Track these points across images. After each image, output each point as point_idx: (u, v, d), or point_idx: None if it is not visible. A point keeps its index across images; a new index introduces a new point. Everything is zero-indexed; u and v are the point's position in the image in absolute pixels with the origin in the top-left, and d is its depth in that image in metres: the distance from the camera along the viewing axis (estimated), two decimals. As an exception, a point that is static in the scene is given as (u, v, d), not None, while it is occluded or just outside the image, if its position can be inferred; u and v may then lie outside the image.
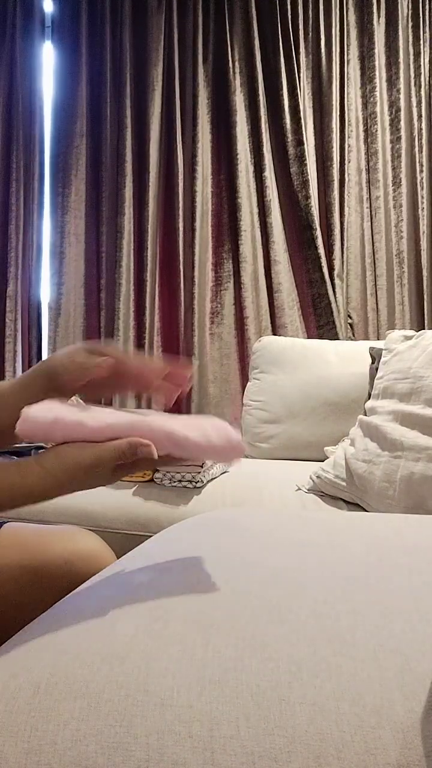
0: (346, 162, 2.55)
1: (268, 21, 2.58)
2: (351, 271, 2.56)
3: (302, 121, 2.53)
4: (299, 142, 2.52)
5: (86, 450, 0.49)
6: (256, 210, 2.57)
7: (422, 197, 2.52)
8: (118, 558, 0.69)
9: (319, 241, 2.50)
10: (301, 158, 2.52)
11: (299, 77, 2.56)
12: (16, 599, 0.72)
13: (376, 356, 1.59)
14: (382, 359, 1.41)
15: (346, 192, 2.54)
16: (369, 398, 1.45)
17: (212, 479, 1.38)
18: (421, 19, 2.56)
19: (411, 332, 1.44)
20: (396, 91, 2.56)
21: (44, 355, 2.66)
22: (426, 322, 2.49)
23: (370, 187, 2.56)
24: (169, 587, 0.49)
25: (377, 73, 2.56)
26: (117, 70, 2.64)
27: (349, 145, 2.56)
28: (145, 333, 2.57)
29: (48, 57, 2.71)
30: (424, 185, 2.53)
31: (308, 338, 2.51)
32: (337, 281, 2.52)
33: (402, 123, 2.54)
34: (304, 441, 1.80)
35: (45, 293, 2.66)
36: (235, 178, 2.54)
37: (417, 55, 2.57)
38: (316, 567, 0.53)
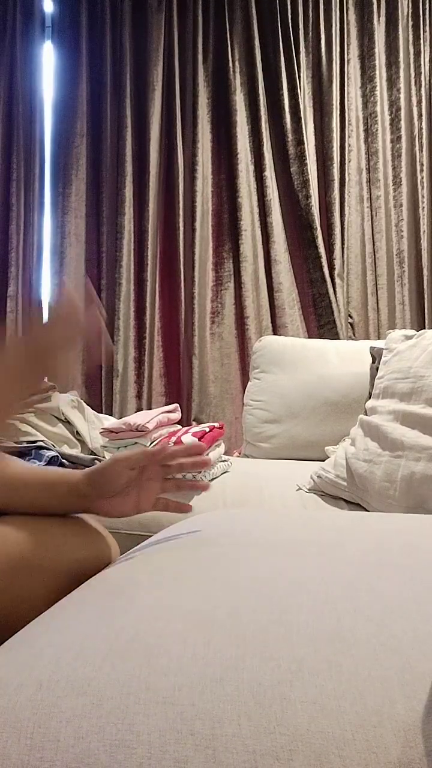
0: (347, 161, 2.55)
1: (268, 21, 2.58)
2: (351, 270, 2.56)
3: (302, 120, 2.53)
4: (299, 142, 2.52)
5: None
6: (256, 209, 2.57)
7: (422, 197, 2.52)
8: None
9: (320, 241, 2.50)
10: (301, 158, 2.52)
11: (299, 77, 2.56)
12: (18, 596, 0.72)
13: (376, 356, 1.59)
14: (383, 359, 1.41)
15: (346, 191, 2.54)
16: (369, 398, 1.45)
17: (213, 479, 1.38)
18: (421, 18, 2.57)
19: (411, 332, 1.45)
20: (396, 90, 2.56)
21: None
22: (426, 321, 2.49)
23: (371, 186, 2.56)
24: (169, 586, 0.49)
25: (377, 72, 2.56)
26: (117, 70, 2.64)
27: (349, 145, 2.56)
28: (146, 333, 2.57)
29: (48, 57, 2.71)
30: (425, 185, 2.53)
31: (309, 338, 2.51)
32: (337, 281, 2.52)
33: (402, 122, 2.55)
34: (305, 441, 1.80)
35: (45, 293, 2.66)
36: (236, 178, 2.54)
37: (417, 54, 2.57)
38: (316, 566, 0.53)
